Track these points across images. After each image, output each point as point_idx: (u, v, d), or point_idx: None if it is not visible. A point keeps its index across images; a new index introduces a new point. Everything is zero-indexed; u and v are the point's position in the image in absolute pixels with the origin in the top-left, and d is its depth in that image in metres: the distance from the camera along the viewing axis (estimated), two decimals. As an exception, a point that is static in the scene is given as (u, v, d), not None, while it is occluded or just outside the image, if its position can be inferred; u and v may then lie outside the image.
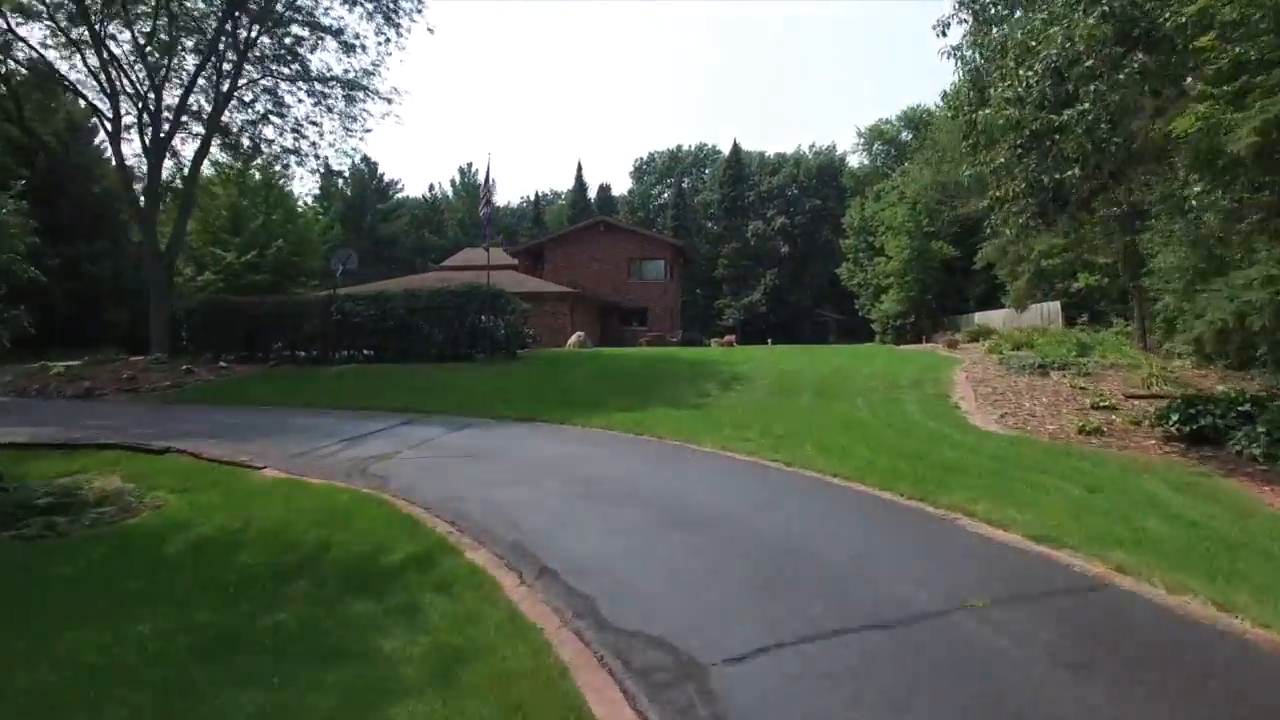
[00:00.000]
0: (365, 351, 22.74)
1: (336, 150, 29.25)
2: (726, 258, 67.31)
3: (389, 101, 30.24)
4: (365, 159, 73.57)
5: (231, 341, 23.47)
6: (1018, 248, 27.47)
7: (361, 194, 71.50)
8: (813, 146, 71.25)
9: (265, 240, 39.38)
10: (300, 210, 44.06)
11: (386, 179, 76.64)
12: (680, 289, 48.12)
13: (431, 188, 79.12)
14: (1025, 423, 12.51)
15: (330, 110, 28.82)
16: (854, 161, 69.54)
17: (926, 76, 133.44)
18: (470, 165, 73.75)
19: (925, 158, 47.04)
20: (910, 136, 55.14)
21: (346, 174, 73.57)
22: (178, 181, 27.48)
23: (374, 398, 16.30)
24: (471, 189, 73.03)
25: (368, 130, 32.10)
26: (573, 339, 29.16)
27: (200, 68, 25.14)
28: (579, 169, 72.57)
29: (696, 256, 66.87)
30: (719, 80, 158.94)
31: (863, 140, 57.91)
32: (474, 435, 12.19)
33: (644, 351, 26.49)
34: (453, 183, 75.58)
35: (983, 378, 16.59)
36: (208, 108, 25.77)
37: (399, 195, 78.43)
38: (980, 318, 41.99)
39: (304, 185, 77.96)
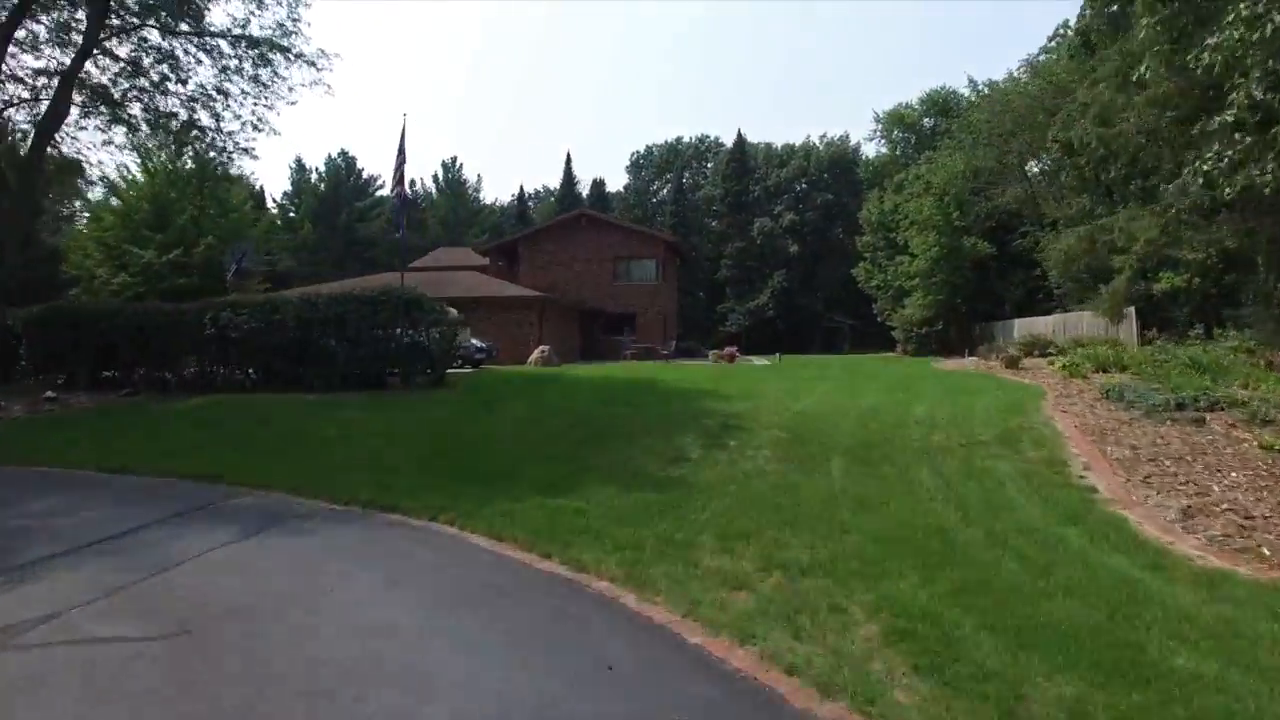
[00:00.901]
0: (251, 374, 17.42)
1: (247, 125, 23.40)
2: (730, 258, 61.83)
3: (314, 66, 24.81)
4: (343, 153, 68.55)
5: (81, 361, 18.15)
6: (1111, 237, 21.90)
7: (336, 190, 66.33)
8: (824, 137, 65.87)
9: (196, 237, 34.11)
10: (255, 202, 38.68)
11: (366, 174, 71.51)
12: (675, 292, 42.69)
13: (413, 184, 73.76)
14: (1238, 530, 7.04)
15: (241, 75, 23.54)
16: (870, 150, 64.13)
17: (945, 61, 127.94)
18: (455, 160, 68.79)
19: (956, 142, 41.52)
20: (934, 122, 49.55)
21: (320, 168, 69.01)
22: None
23: (192, 455, 10.98)
24: (455, 185, 67.86)
25: (293, 103, 26.35)
26: (535, 355, 23.80)
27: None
28: (568, 161, 67.48)
29: (694, 255, 61.48)
30: (721, 69, 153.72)
31: (880, 127, 52.45)
32: (253, 555, 6.78)
33: (618, 373, 21.04)
34: (435, 178, 70.45)
35: (1099, 425, 11.11)
36: (67, 63, 20.42)
37: (379, 193, 73.23)
38: (1023, 325, 36.39)
39: (266, 179, 72.51)
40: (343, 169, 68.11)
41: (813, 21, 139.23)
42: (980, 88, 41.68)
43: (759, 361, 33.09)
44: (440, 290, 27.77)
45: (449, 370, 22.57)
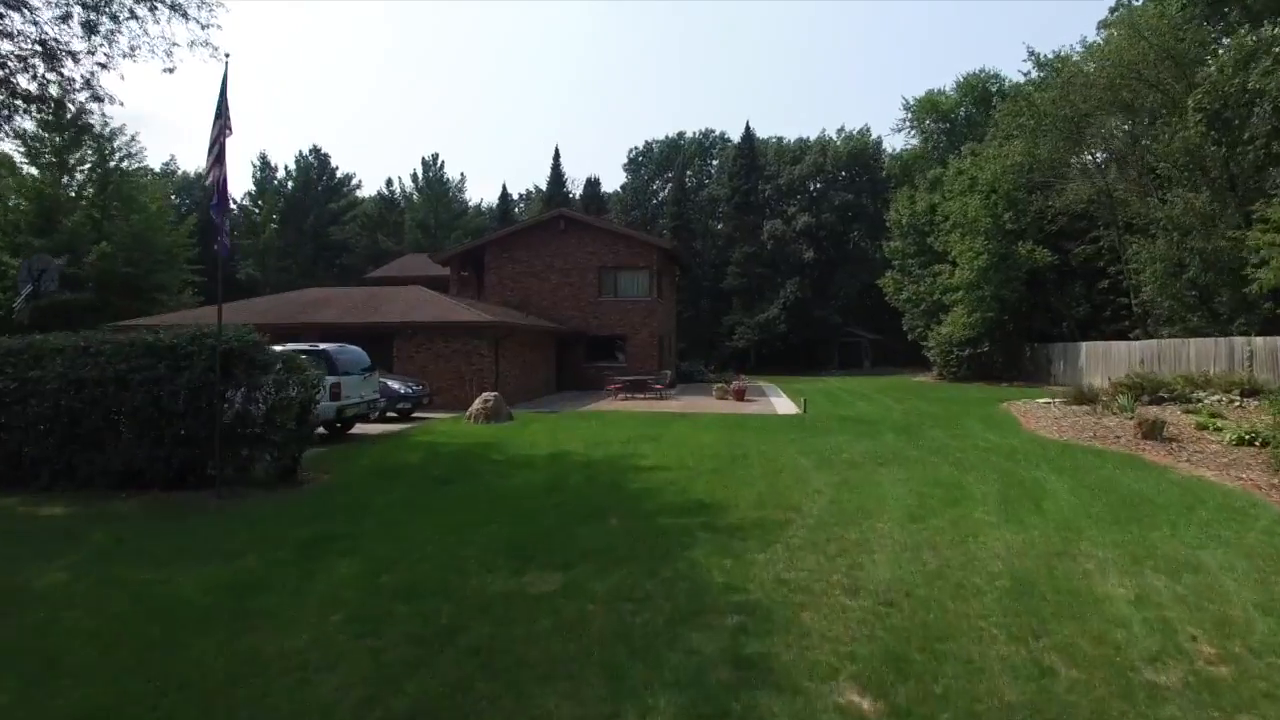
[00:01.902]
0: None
1: (94, 87, 17.23)
2: (737, 265, 55.57)
3: (187, 17, 18.58)
4: (315, 150, 62.59)
5: None
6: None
7: (305, 190, 60.36)
8: (841, 131, 59.42)
9: (96, 242, 28.10)
10: (161, 204, 32.56)
11: (340, 174, 65.52)
12: (674, 307, 36.52)
13: (389, 183, 67.71)
14: None
15: (92, 30, 17.44)
16: (898, 143, 58.03)
17: (978, 46, 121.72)
18: (436, 158, 62.51)
19: (1005, 131, 35.21)
20: (970, 111, 43.20)
21: (289, 165, 63.00)
22: None
23: None
24: (436, 185, 61.80)
25: (170, 70, 20.32)
26: (475, 406, 17.58)
27: None
28: (555, 158, 60.95)
29: (697, 262, 55.30)
30: (728, 57, 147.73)
31: (910, 116, 46.00)
32: None
33: (575, 446, 14.70)
34: (414, 177, 64.22)
35: None
36: None
37: (356, 192, 67.27)
38: (1095, 351, 30.09)
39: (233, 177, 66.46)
40: (314, 167, 62.15)
41: (825, 6, 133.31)
42: (1040, 63, 35.21)
43: (777, 401, 26.89)
44: (369, 313, 21.65)
45: (359, 428, 16.66)
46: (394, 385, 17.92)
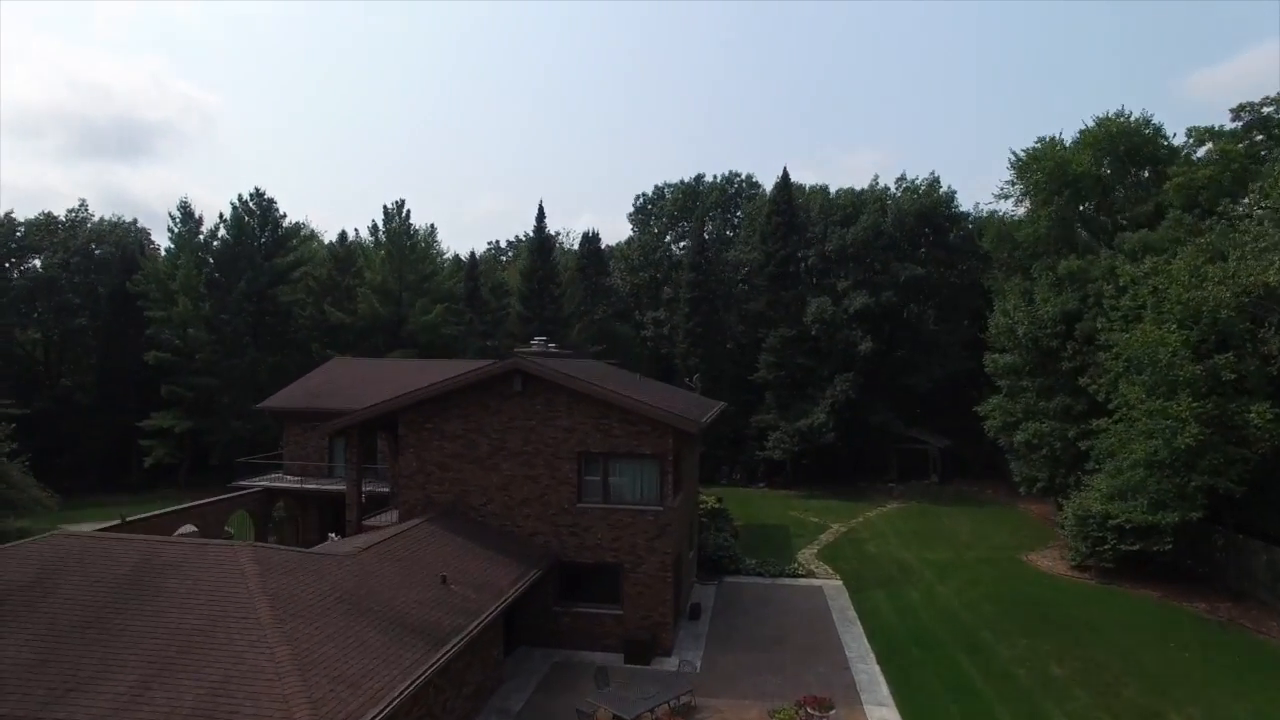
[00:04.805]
0: None
1: None
2: (773, 352, 43.60)
3: None
4: (256, 193, 50.98)
5: None
6: None
7: (237, 243, 48.78)
8: (903, 181, 47.33)
9: None
10: None
11: (288, 223, 53.91)
12: (690, 509, 24.61)
13: (344, 237, 55.92)
14: None
15: None
16: (996, 206, 46.16)
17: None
18: (401, 205, 50.71)
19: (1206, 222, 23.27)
20: (1106, 172, 31.04)
21: (225, 214, 51.58)
22: None
23: None
24: (398, 238, 50.02)
25: None
26: None
27: None
28: (540, 214, 48.55)
29: (718, 346, 43.54)
30: (756, 83, 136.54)
31: (1014, 174, 33.46)
32: None
33: None
34: (372, 229, 52.43)
35: None
36: None
37: (308, 243, 55.72)
38: None
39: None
40: (254, 214, 50.46)
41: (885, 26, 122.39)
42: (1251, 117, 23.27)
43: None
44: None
45: None
46: None
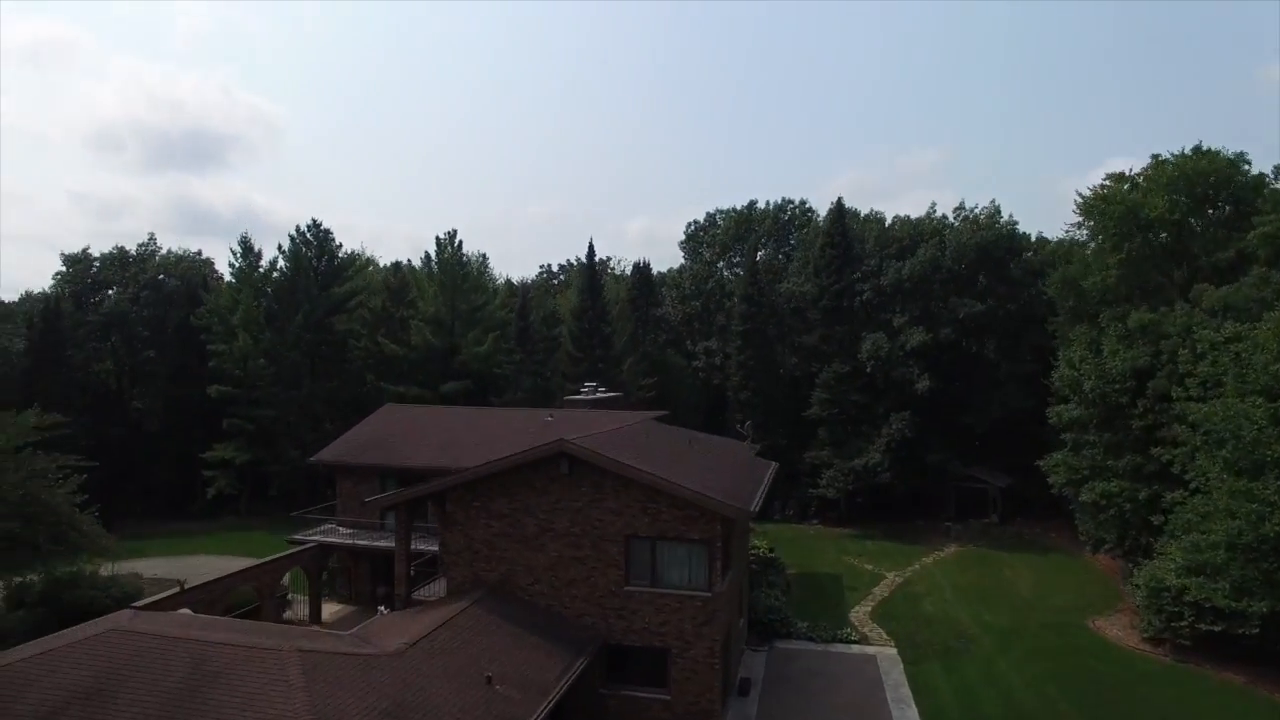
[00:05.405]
0: None
1: None
2: (826, 389, 42.78)
3: None
4: (314, 224, 52.19)
5: None
6: None
7: (295, 277, 49.94)
8: (961, 211, 45.91)
9: None
10: None
11: (346, 250, 55.14)
12: (740, 578, 24.13)
13: (398, 266, 56.80)
14: None
15: None
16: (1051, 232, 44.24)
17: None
18: (453, 235, 51.41)
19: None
20: (1182, 213, 29.42)
21: (284, 245, 53.00)
22: None
23: None
24: (451, 269, 50.55)
25: None
26: None
27: None
28: (590, 251, 48.45)
29: (770, 384, 42.86)
30: (810, 106, 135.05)
31: (1079, 208, 31.54)
32: None
33: None
34: (426, 259, 53.21)
35: None
36: None
37: (363, 271, 56.76)
38: None
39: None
40: (312, 245, 51.67)
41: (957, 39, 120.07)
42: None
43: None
44: None
45: None
46: None
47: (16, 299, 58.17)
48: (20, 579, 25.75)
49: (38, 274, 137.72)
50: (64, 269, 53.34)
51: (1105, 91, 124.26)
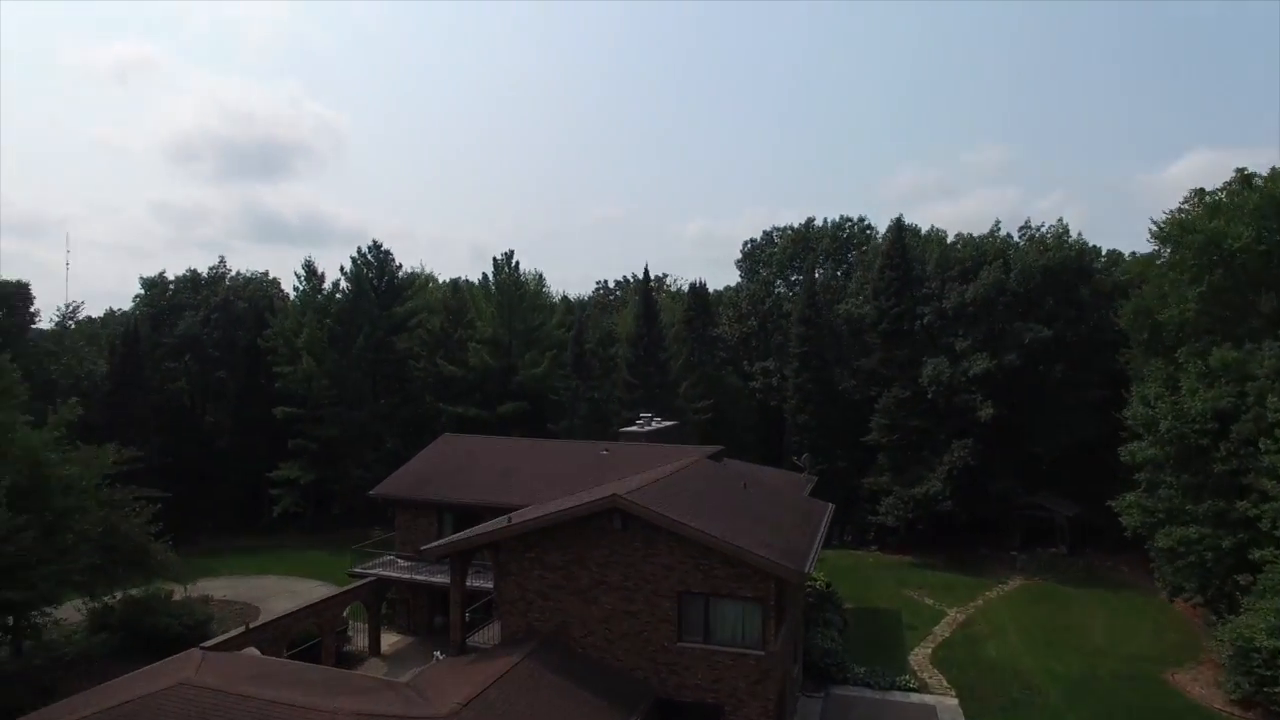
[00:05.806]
0: None
1: None
2: (886, 414, 41.91)
3: None
4: (375, 245, 53.41)
5: None
6: None
7: (357, 298, 51.15)
8: (1026, 230, 44.41)
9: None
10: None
11: (405, 270, 56.28)
12: (797, 650, 23.68)
13: (456, 285, 57.72)
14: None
15: None
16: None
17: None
18: (510, 255, 52.06)
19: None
20: (1271, 240, 27.80)
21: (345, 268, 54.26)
22: None
23: None
24: (509, 289, 51.17)
25: None
26: None
27: None
28: (645, 276, 48.49)
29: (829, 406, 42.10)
30: (870, 120, 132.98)
31: (1157, 229, 29.85)
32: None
33: None
34: (484, 279, 53.97)
35: None
36: None
37: (423, 290, 57.85)
38: None
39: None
40: (374, 266, 52.95)
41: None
42: None
43: None
44: None
45: None
46: None
47: (101, 315, 61.04)
48: (99, 604, 27.04)
49: (123, 280, 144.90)
50: (142, 291, 55.72)
51: (1178, 80, 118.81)
